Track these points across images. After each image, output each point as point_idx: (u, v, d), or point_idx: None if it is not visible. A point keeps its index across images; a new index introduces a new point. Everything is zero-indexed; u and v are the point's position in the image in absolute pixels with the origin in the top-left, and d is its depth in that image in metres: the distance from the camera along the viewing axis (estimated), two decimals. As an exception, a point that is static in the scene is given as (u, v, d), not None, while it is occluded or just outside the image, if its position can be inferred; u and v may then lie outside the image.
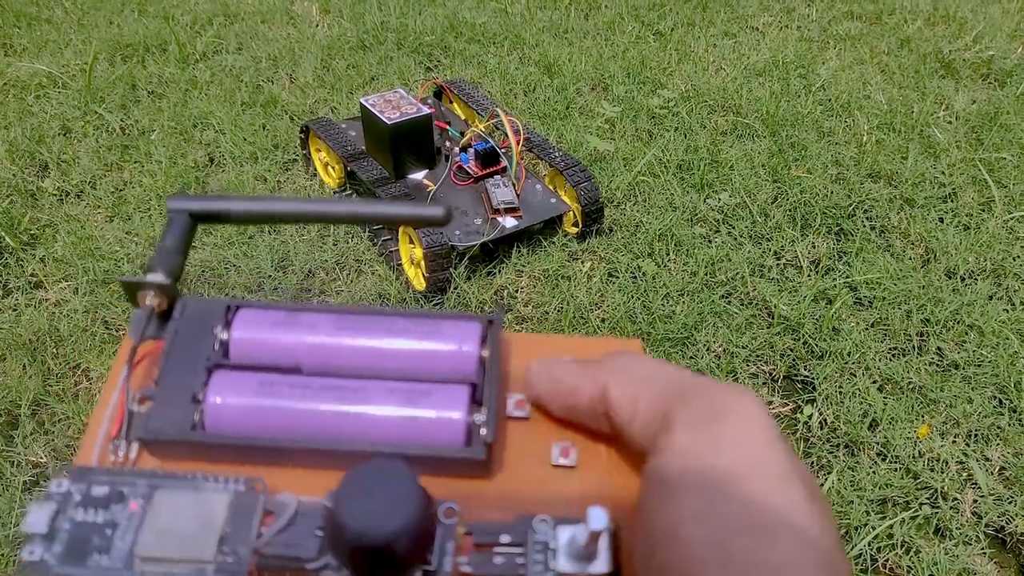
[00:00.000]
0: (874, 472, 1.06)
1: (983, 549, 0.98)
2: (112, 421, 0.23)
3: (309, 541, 0.21)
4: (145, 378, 0.24)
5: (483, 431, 0.22)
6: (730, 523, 0.18)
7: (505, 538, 0.21)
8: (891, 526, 1.00)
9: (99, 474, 0.22)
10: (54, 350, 1.20)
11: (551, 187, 1.44)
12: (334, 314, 0.25)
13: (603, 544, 0.21)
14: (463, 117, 1.60)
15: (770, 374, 1.20)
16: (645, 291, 1.31)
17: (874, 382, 1.18)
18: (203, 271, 1.35)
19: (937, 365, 1.21)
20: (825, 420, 1.13)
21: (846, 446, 1.10)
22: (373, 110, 1.38)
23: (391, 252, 1.36)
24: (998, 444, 1.09)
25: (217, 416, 0.23)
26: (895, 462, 1.07)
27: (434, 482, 0.22)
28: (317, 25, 2.19)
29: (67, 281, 1.33)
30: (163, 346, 0.24)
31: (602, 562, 0.21)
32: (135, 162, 1.61)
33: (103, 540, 0.21)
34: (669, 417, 0.20)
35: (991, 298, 1.32)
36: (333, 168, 1.53)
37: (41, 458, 1.05)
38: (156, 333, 0.25)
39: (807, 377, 1.19)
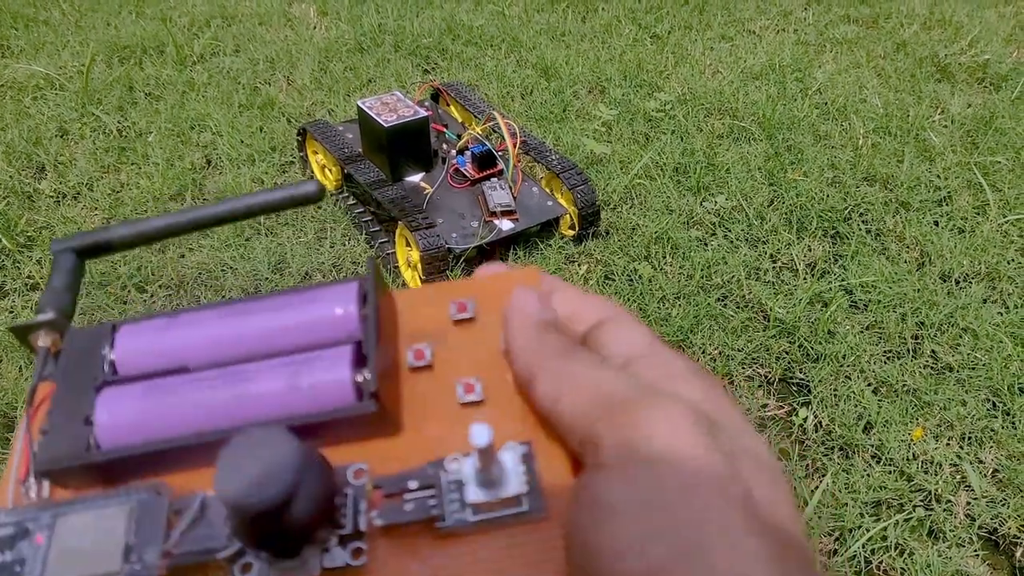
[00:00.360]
0: (868, 475, 1.06)
1: (976, 551, 0.99)
2: (20, 464, 0.23)
3: (218, 531, 0.21)
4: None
5: (368, 376, 0.22)
6: (665, 550, 0.17)
7: (413, 484, 0.21)
8: (885, 528, 1.00)
9: (3, 516, 0.22)
10: (51, 352, 1.20)
11: (548, 190, 1.44)
12: (214, 308, 0.24)
13: (510, 464, 0.21)
14: (460, 120, 1.61)
15: (765, 377, 1.21)
16: (641, 294, 1.31)
17: (869, 385, 1.18)
18: (200, 274, 1.35)
19: (931, 368, 1.21)
20: (820, 423, 1.13)
21: (841, 448, 1.10)
22: (370, 113, 1.38)
23: (388, 255, 1.36)
24: (991, 446, 1.10)
25: (109, 432, 0.22)
26: (889, 464, 1.07)
27: (342, 450, 0.22)
28: (315, 27, 2.20)
29: (64, 283, 1.33)
30: (55, 378, 0.24)
31: (515, 484, 0.21)
32: (132, 164, 1.62)
33: None
34: (596, 434, 0.20)
35: (985, 301, 1.32)
36: (330, 170, 1.53)
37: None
38: (54, 372, 0.25)
39: (802, 380, 1.20)
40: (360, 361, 0.23)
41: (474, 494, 0.21)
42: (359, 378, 0.22)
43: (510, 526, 0.21)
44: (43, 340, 0.25)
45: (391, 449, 0.22)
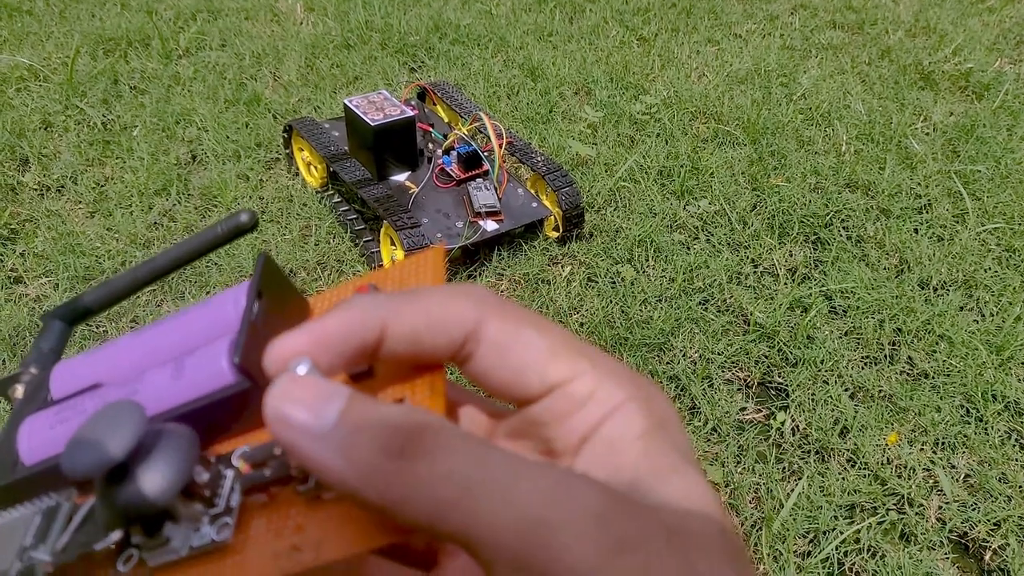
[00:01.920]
0: (843, 478, 1.08)
1: (946, 554, 1.01)
2: None
3: (99, 523, 0.21)
4: None
5: (233, 354, 0.22)
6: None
7: (278, 450, 0.21)
8: (858, 531, 1.02)
9: None
10: (32, 347, 1.19)
11: (533, 191, 1.45)
12: (136, 330, 0.25)
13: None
14: (446, 120, 1.61)
15: (745, 380, 1.22)
16: (623, 296, 1.33)
17: (846, 390, 1.20)
18: (184, 270, 1.35)
19: (908, 374, 1.23)
20: (797, 427, 1.15)
21: (817, 452, 1.12)
22: (357, 111, 1.39)
23: (373, 253, 1.37)
24: (964, 452, 1.12)
25: (30, 453, 0.23)
26: (864, 469, 1.09)
27: (231, 443, 0.22)
28: (301, 23, 2.19)
29: (47, 277, 1.32)
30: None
31: None
32: (117, 158, 1.61)
33: None
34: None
35: (962, 309, 1.35)
36: (316, 168, 1.53)
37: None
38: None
39: (781, 384, 1.21)
40: None
41: None
42: (236, 359, 0.22)
43: None
44: (19, 393, 0.26)
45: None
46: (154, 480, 0.19)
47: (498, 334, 0.20)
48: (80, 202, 1.50)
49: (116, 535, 0.21)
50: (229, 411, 0.22)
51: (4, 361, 1.16)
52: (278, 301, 0.24)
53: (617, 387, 0.20)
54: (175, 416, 0.22)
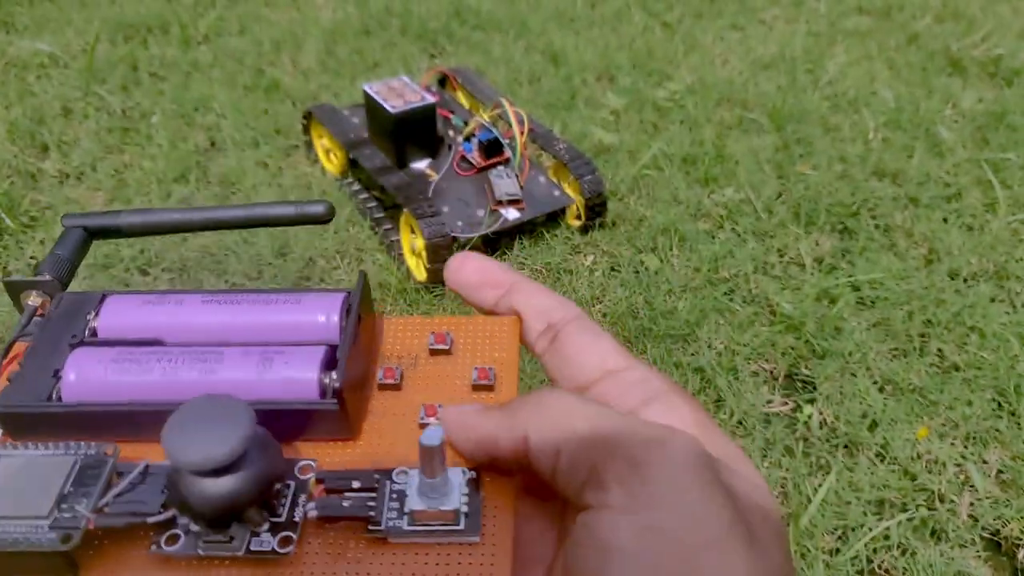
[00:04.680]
0: (872, 473, 1.06)
1: (978, 552, 0.98)
2: None
3: (153, 498, 0.21)
4: None
5: (334, 379, 0.23)
6: None
7: (356, 483, 0.22)
8: (888, 528, 1.00)
9: None
10: (53, 334, 1.19)
11: (555, 179, 1.43)
12: (202, 294, 0.25)
13: (456, 481, 0.21)
14: (467, 106, 1.59)
15: (771, 372, 1.20)
16: (647, 286, 1.31)
17: (875, 383, 1.17)
18: (203, 256, 1.34)
19: (938, 367, 1.21)
20: (825, 420, 1.13)
21: (845, 446, 1.10)
22: (377, 97, 1.37)
23: (392, 242, 1.35)
24: (996, 447, 1.09)
25: (74, 388, 0.23)
26: (893, 463, 1.07)
27: (297, 446, 0.23)
28: (321, 9, 2.18)
29: (66, 264, 1.32)
30: (33, 336, 0.25)
31: (455, 500, 0.21)
32: (136, 145, 1.60)
33: None
34: (597, 471, 0.20)
35: (993, 300, 1.31)
36: (335, 155, 1.52)
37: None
38: (35, 332, 0.25)
39: (808, 376, 1.19)
40: (330, 365, 0.23)
41: (414, 502, 0.21)
42: (326, 379, 0.23)
43: (443, 544, 0.21)
44: (33, 300, 0.25)
45: (344, 453, 0.23)
46: (247, 486, 0.20)
47: (569, 341, 0.25)
48: (99, 189, 1.49)
49: (170, 513, 0.21)
50: (301, 422, 0.23)
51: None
52: (366, 318, 0.25)
53: (662, 380, 0.23)
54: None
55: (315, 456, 0.23)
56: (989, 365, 1.19)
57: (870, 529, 0.99)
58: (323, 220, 0.27)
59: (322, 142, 1.55)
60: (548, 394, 0.22)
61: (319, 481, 0.22)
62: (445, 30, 2.06)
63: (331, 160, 1.54)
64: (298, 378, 0.23)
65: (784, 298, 1.29)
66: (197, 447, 0.19)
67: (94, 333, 0.24)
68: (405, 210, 1.28)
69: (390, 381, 0.25)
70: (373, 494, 0.21)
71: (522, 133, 1.38)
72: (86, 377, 0.23)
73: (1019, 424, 1.12)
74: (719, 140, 1.66)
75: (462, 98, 1.61)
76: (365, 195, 1.44)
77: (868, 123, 1.74)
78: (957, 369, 1.20)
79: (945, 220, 1.49)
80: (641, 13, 2.19)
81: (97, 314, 0.25)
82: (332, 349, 0.24)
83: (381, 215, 1.40)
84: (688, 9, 2.22)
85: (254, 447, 0.20)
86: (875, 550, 0.98)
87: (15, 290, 0.25)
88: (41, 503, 0.20)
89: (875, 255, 1.39)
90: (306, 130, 1.57)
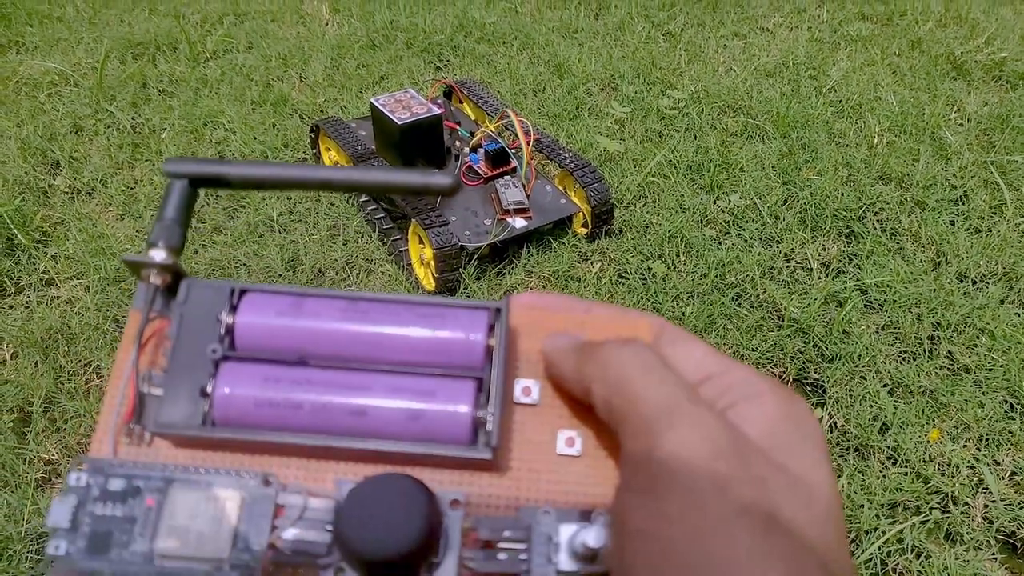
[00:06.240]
0: (884, 476, 1.05)
1: (994, 555, 0.98)
2: (124, 405, 0.23)
3: (320, 537, 0.21)
4: (152, 357, 0.24)
5: (489, 428, 0.22)
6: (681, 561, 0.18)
7: (508, 534, 0.22)
8: (901, 531, 0.99)
9: (115, 467, 0.22)
10: (66, 348, 1.20)
11: (561, 188, 1.44)
12: (340, 300, 0.24)
13: (607, 540, 0.22)
14: (473, 117, 1.60)
15: (780, 376, 1.20)
16: (655, 293, 1.31)
17: (884, 385, 1.17)
18: (213, 269, 1.35)
19: (948, 369, 1.20)
20: (835, 423, 1.13)
21: (856, 450, 1.09)
22: (383, 110, 1.38)
23: (401, 252, 1.36)
24: (1009, 449, 1.09)
25: (225, 409, 0.23)
26: (906, 466, 1.07)
27: (439, 474, 0.23)
28: (327, 24, 2.20)
29: (79, 279, 1.33)
30: (170, 332, 0.24)
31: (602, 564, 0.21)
32: (146, 160, 1.62)
33: (123, 534, 0.21)
34: (627, 448, 0.21)
35: (1002, 302, 1.31)
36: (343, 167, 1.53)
37: (53, 455, 1.06)
38: (161, 309, 0.25)
39: (817, 380, 1.19)
40: (479, 393, 0.23)
41: (565, 563, 0.21)
42: (478, 413, 0.23)
43: None
44: (155, 279, 0.25)
45: (485, 483, 0.23)
46: (417, 549, 0.20)
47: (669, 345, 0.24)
48: (110, 204, 1.51)
49: (338, 558, 0.21)
50: (455, 465, 0.23)
51: (36, 364, 1.17)
52: (507, 342, 0.25)
53: (761, 380, 0.22)
54: (400, 452, 0.23)
55: (459, 483, 0.23)
56: (1000, 367, 1.19)
57: (883, 532, 0.99)
58: (448, 192, 0.25)
59: (330, 154, 1.56)
60: (617, 352, 0.22)
61: (472, 529, 0.22)
62: (450, 43, 2.07)
63: (339, 172, 1.54)
64: (449, 414, 0.23)
65: (792, 303, 1.29)
66: (380, 542, 0.19)
67: (230, 335, 0.24)
68: (413, 220, 1.29)
69: (527, 400, 0.24)
70: (524, 545, 0.22)
71: (528, 143, 1.39)
72: (235, 399, 0.23)
73: (1031, 425, 1.11)
74: (724, 147, 1.66)
75: (468, 110, 1.62)
76: (373, 206, 1.45)
77: (872, 128, 1.74)
78: (968, 371, 1.19)
79: (952, 223, 1.49)
80: (644, 23, 2.20)
81: (232, 313, 0.24)
82: (479, 380, 0.23)
83: (389, 226, 1.41)
84: (690, 18, 2.23)
85: (428, 520, 0.20)
86: (889, 553, 0.98)
87: (136, 269, 0.25)
88: (220, 543, 0.21)
89: (882, 258, 1.39)
90: (314, 143, 1.58)
